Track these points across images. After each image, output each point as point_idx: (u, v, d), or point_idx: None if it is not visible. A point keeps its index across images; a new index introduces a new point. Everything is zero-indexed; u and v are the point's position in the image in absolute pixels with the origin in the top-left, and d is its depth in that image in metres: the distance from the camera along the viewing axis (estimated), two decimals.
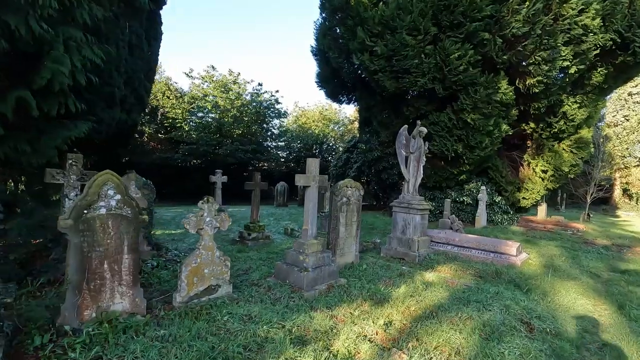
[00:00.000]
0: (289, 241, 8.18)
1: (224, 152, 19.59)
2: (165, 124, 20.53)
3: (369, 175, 17.28)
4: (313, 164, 4.78)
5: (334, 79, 14.29)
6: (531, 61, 9.11)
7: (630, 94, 30.18)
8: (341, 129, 33.85)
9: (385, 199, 16.63)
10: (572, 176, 12.95)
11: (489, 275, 5.84)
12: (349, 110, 38.81)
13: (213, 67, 22.99)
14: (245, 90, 23.60)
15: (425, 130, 7.01)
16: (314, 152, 32.22)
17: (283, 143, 30.04)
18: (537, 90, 9.78)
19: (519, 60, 9.29)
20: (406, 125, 7.12)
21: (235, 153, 19.97)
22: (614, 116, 30.92)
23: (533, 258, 7.38)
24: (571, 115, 10.90)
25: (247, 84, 23.95)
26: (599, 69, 9.96)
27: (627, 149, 29.36)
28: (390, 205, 7.31)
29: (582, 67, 9.37)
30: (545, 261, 7.14)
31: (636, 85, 29.98)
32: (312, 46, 14.80)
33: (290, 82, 73.23)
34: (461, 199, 12.69)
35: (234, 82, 23.57)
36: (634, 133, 29.36)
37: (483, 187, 11.90)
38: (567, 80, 9.85)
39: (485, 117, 10.14)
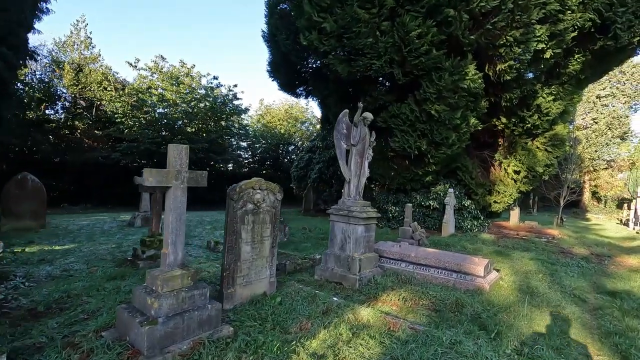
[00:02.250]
0: (206, 260, 6.45)
1: (195, 156, 17.52)
2: (103, 119, 18.20)
3: (327, 176, 15.78)
4: (177, 153, 3.13)
5: (287, 67, 12.70)
6: (502, 42, 7.89)
7: (598, 97, 30.52)
8: (310, 128, 32.34)
9: None
10: (546, 177, 11.95)
11: (448, 308, 4.38)
12: (318, 108, 37.39)
13: (162, 57, 20.88)
14: (200, 84, 21.58)
15: (370, 116, 5.52)
16: (280, 152, 30.52)
17: (245, 143, 28.19)
18: (508, 78, 8.59)
19: (488, 41, 8.05)
20: (347, 110, 5.60)
21: None
22: (583, 119, 31.16)
23: (505, 277, 6.04)
24: (546, 109, 9.83)
25: (202, 78, 21.96)
26: (576, 56, 8.93)
27: (596, 151, 29.55)
28: (327, 212, 5.74)
29: (558, 51, 8.26)
30: (520, 281, 5.80)
31: (604, 88, 30.36)
32: (263, 30, 13.17)
33: (258, 79, 71.24)
34: (427, 203, 11.39)
35: (187, 75, 21.53)
36: (602, 136, 29.60)
37: (451, 190, 10.63)
38: (542, 67, 8.71)
39: (451, 108, 8.84)
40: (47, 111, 16.16)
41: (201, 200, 19.83)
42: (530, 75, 9.05)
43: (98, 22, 44.81)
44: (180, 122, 19.25)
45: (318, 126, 31.82)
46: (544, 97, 9.62)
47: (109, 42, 47.32)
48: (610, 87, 30.31)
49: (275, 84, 13.72)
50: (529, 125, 10.31)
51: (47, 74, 17.17)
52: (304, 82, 13.66)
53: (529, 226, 12.53)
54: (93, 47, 19.95)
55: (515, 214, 13.17)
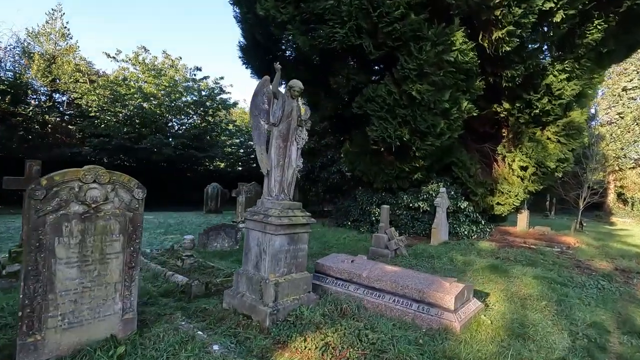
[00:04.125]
0: None
1: (147, 146, 16.36)
2: (75, 113, 17.22)
3: (315, 174, 14.29)
4: None
5: (260, 51, 11.29)
6: (497, 1, 6.26)
7: (624, 89, 28.10)
8: None
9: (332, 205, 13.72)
10: (559, 174, 10.18)
11: None
12: None
13: (145, 48, 19.84)
14: (185, 78, 20.44)
15: (299, 85, 4.06)
16: None
17: (238, 140, 26.98)
18: (508, 49, 6.98)
19: (480, 0, 6.44)
20: (267, 77, 4.13)
21: (162, 149, 16.78)
22: (607, 113, 28.77)
23: (494, 305, 4.49)
24: (557, 90, 8.12)
25: (189, 71, 20.82)
26: (596, 22, 7.21)
27: (622, 149, 27.10)
28: (245, 217, 4.28)
29: (572, 12, 6.61)
30: (512, 314, 4.24)
31: (631, 80, 27.90)
32: (234, 10, 11.81)
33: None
34: (416, 205, 9.81)
35: (172, 67, 20.44)
36: (629, 132, 27.15)
37: (443, 189, 9.03)
38: (552, 35, 7.05)
39: (437, 88, 7.28)
40: (14, 105, 15.25)
41: (180, 201, 18.68)
42: (537, 46, 7.37)
43: (89, 11, 44.56)
44: (159, 117, 18.11)
45: None
46: (555, 76, 7.92)
47: (100, 33, 47.07)
48: (638, 79, 27.79)
49: (248, 71, 12.29)
50: (537, 111, 8.60)
51: (15, 64, 16.33)
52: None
53: (539, 232, 10.78)
54: (70, 37, 19.10)
55: (523, 217, 11.41)
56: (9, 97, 15.19)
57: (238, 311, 3.88)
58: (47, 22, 18.38)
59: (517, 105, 8.81)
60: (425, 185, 10.15)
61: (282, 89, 4.23)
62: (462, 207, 9.78)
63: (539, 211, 21.66)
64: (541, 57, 7.87)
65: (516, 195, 10.00)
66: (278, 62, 3.99)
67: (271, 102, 4.02)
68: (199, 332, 3.26)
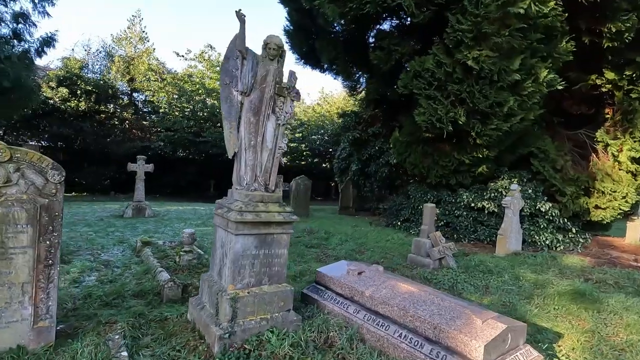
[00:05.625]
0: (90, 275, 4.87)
1: (208, 139, 16.98)
2: (148, 110, 18.70)
3: (372, 169, 13.00)
4: None
5: (303, 33, 10.54)
6: None
7: None
8: None
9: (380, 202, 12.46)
10: None
11: None
12: None
13: (211, 46, 20.72)
14: None
15: (277, 41, 3.15)
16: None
17: (300, 135, 26.78)
18: None
19: None
20: (239, 34, 3.25)
21: (220, 142, 17.26)
22: None
23: (566, 357, 3.04)
24: None
25: None
26: None
27: None
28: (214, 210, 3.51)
29: None
30: None
31: None
32: None
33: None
34: (480, 205, 8.09)
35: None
36: None
37: (515, 186, 7.22)
38: None
39: (502, 54, 5.65)
40: (98, 103, 17.13)
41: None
42: None
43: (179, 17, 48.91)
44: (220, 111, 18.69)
45: None
46: None
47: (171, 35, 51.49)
48: None
49: (293, 57, 11.65)
50: None
51: (101, 67, 18.39)
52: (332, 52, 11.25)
53: None
54: (147, 40, 20.89)
55: (635, 227, 8.70)
56: (94, 96, 17.11)
57: (196, 327, 3.14)
58: (128, 27, 20.43)
59: (627, 74, 6.50)
60: (493, 182, 8.34)
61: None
62: (543, 209, 7.74)
63: None
64: None
65: (624, 197, 7.58)
66: (241, 9, 3.11)
67: (241, 65, 3.16)
68: (124, 353, 2.60)
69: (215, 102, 19.03)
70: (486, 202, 8.05)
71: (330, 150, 27.55)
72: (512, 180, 8.05)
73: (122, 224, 8.43)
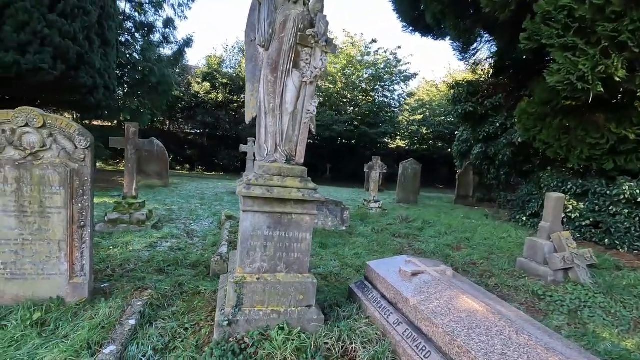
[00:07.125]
0: (174, 234, 5.32)
1: (320, 124, 17.34)
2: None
3: (494, 152, 10.81)
4: None
5: None
6: None
7: None
8: None
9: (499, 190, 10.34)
10: None
11: None
12: None
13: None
14: (361, 52, 20.24)
15: None
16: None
17: (422, 116, 24.62)
18: None
19: None
20: None
21: (332, 126, 17.40)
22: None
23: None
24: None
25: (362, 44, 20.46)
26: None
27: None
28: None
29: None
30: None
31: None
32: None
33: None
34: None
35: (352, 45, 20.64)
36: None
37: None
38: None
39: None
40: (231, 94, 19.53)
41: (354, 178, 18.94)
42: None
43: None
44: (334, 94, 18.78)
45: None
46: None
47: None
48: None
49: (399, 25, 10.51)
50: None
51: (235, 62, 20.79)
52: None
53: None
54: None
55: None
56: (228, 88, 19.54)
57: (217, 307, 2.95)
58: None
59: None
60: None
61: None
62: None
63: None
64: None
65: None
66: None
67: (258, 13, 2.69)
68: (131, 322, 2.57)
69: (328, 85, 19.23)
70: None
71: (456, 133, 24.66)
72: None
73: (228, 200, 9.26)
